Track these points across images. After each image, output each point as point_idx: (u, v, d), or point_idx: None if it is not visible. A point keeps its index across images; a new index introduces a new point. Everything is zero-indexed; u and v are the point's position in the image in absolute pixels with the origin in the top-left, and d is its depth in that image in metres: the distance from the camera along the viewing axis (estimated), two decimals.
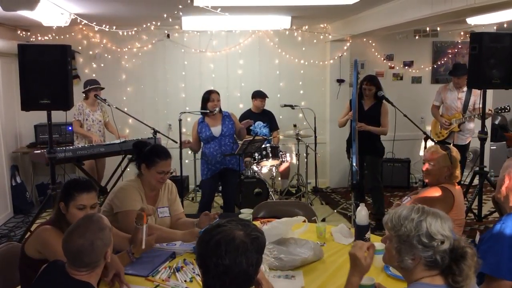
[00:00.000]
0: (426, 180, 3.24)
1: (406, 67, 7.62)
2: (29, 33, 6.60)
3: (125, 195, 3.05)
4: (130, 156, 5.51)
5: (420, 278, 1.74)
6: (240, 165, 5.13)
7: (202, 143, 5.15)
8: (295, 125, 6.66)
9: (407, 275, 1.79)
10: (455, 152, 3.13)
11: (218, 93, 5.09)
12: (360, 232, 2.89)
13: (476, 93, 5.94)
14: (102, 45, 6.93)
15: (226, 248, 1.55)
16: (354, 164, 5.13)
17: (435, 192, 3.04)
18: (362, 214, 2.96)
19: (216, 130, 5.01)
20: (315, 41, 7.38)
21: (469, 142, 6.23)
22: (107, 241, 2.04)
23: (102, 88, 5.99)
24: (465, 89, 6.06)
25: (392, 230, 1.80)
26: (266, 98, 6.59)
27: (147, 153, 3.13)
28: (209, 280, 1.59)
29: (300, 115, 6.63)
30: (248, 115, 6.58)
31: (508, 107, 5.77)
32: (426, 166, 3.19)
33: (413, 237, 1.72)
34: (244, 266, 1.55)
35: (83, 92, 5.96)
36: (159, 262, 2.65)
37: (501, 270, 2.16)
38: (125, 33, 6.49)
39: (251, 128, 6.21)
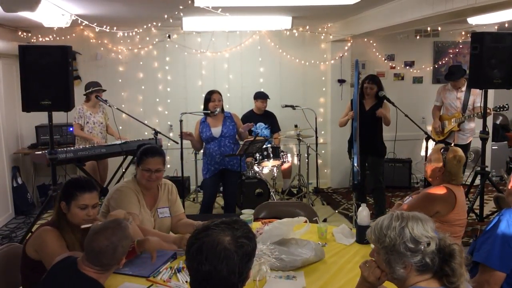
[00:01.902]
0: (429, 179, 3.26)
1: (407, 67, 7.61)
2: (30, 34, 6.60)
3: (120, 197, 3.04)
4: (132, 157, 5.51)
5: (415, 283, 1.72)
6: (241, 165, 5.12)
7: (204, 143, 5.15)
8: (296, 126, 6.66)
9: (401, 284, 1.77)
10: (453, 155, 3.07)
11: (219, 93, 5.08)
12: (362, 233, 2.88)
13: (475, 92, 5.93)
14: (103, 46, 6.93)
15: (207, 254, 1.51)
16: (356, 164, 5.13)
17: (437, 190, 3.04)
18: (364, 214, 2.96)
19: (216, 131, 5.01)
20: (316, 41, 7.38)
21: (470, 141, 6.22)
22: (126, 250, 2.12)
23: (104, 90, 5.99)
24: (463, 88, 6.06)
25: (377, 243, 1.79)
26: (268, 99, 6.60)
27: (138, 152, 3.17)
28: (193, 284, 1.58)
29: (301, 115, 6.63)
30: (250, 116, 6.59)
31: (506, 106, 5.77)
32: (426, 164, 3.23)
33: (399, 245, 1.71)
34: (224, 274, 1.50)
35: (84, 95, 5.96)
36: (160, 263, 2.64)
37: (493, 261, 2.22)
38: (125, 34, 6.49)
39: (252, 129, 6.22)
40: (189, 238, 1.60)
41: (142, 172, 3.09)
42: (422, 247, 1.69)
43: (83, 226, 2.49)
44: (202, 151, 5.22)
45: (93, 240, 2.07)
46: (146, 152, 3.12)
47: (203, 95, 5.19)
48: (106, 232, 2.07)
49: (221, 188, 5.45)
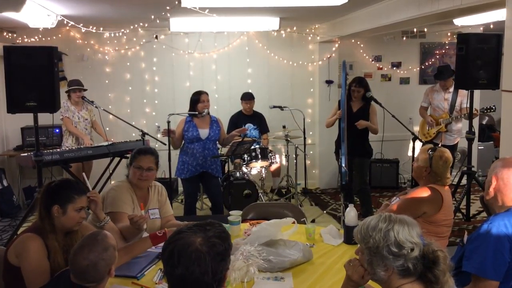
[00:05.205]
0: None
1: (394, 68, 7.66)
2: (15, 35, 6.52)
3: (115, 196, 3.06)
4: (119, 158, 5.48)
5: (399, 286, 1.72)
6: (218, 171, 5.12)
7: (183, 141, 5.08)
8: (284, 126, 6.67)
9: (386, 286, 1.78)
10: (439, 156, 3.07)
11: (207, 94, 5.06)
12: (349, 233, 2.89)
13: (463, 93, 5.99)
14: (89, 47, 6.87)
15: (178, 256, 1.52)
16: (344, 165, 5.14)
17: (423, 192, 3.05)
18: (351, 215, 2.97)
19: (204, 132, 4.97)
20: (303, 42, 7.39)
21: (457, 142, 6.27)
22: (110, 261, 2.06)
23: (85, 90, 5.93)
24: (451, 89, 6.11)
25: (362, 242, 1.79)
26: (253, 100, 6.59)
27: (133, 152, 3.25)
28: None
29: (289, 116, 6.63)
30: (238, 117, 6.58)
31: (493, 107, 5.82)
32: (414, 164, 3.25)
33: (383, 247, 1.71)
34: (197, 275, 1.51)
35: (66, 92, 5.90)
36: (146, 263, 2.66)
37: (486, 270, 2.18)
38: (112, 35, 6.45)
39: None
40: (164, 243, 1.63)
41: (133, 170, 3.14)
42: (405, 252, 1.69)
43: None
44: (179, 150, 5.14)
45: (73, 262, 2.03)
46: (140, 151, 3.22)
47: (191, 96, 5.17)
48: (83, 252, 2.02)
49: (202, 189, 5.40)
